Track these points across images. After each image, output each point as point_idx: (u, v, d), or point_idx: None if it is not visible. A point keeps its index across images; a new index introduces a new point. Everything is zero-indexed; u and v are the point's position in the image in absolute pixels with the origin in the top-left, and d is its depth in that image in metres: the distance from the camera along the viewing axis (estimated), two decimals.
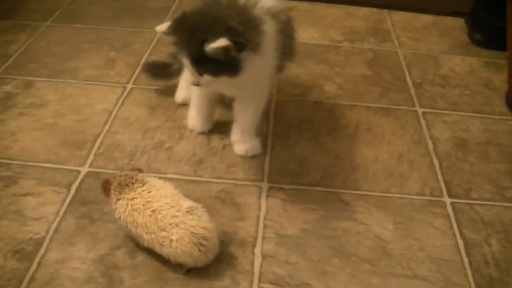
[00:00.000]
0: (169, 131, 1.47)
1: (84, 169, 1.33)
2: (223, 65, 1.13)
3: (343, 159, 1.41)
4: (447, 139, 1.51)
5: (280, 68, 1.35)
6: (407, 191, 1.32)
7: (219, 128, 1.48)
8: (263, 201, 1.26)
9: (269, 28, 1.21)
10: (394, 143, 1.48)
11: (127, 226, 1.10)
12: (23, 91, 1.62)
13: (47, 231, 1.16)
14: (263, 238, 1.17)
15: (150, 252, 1.10)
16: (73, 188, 1.27)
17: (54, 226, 1.17)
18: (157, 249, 1.07)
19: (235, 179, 1.32)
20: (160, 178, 1.16)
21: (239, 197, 1.27)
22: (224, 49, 1.09)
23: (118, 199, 1.10)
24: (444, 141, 1.50)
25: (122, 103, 1.58)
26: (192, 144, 1.43)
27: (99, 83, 1.67)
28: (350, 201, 1.28)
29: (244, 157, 1.39)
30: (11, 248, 1.11)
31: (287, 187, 1.31)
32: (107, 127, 1.48)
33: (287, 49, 1.33)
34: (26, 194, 1.25)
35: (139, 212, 1.07)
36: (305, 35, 2.03)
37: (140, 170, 1.16)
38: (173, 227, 1.05)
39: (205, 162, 1.37)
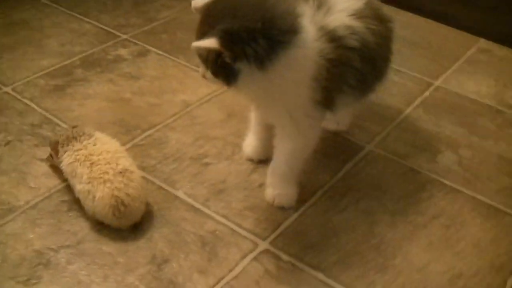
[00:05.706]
0: (224, 146, 1.35)
1: None
2: (219, 68, 0.98)
3: (379, 251, 1.13)
4: None
5: (326, 103, 1.07)
6: None
7: None
8: (244, 262, 1.08)
9: (304, 43, 0.98)
10: (465, 256, 1.14)
11: (68, 177, 1.13)
12: (133, 58, 1.63)
13: None
14: None
15: None
16: None
17: None
18: (82, 201, 1.09)
19: (238, 225, 1.15)
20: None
21: (224, 247, 1.10)
22: (212, 51, 0.94)
23: (65, 151, 1.12)
24: None
25: (208, 100, 1.49)
26: (232, 169, 1.29)
27: None
28: None
29: (270, 205, 1.20)
30: None
31: (285, 257, 1.10)
32: (169, 120, 1.41)
33: (351, 83, 1.09)
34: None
35: (80, 163, 1.09)
36: (472, 86, 1.66)
37: (74, 126, 1.20)
38: (100, 183, 1.05)
39: (226, 194, 1.22)
